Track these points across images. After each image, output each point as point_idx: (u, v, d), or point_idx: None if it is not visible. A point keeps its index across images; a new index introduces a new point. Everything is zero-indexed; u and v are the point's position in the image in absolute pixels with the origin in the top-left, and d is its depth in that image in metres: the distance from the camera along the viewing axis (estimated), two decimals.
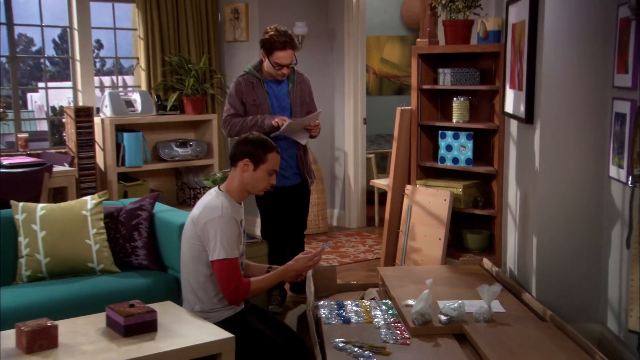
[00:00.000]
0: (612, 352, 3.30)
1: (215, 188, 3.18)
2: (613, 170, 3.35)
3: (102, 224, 3.68)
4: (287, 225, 4.43)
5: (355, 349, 3.05)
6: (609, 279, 3.49)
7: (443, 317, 3.29)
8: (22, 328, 2.47)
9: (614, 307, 3.42)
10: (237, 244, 3.05)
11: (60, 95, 7.43)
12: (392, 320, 3.42)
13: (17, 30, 5.70)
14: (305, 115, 4.25)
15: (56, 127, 6.38)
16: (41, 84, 6.96)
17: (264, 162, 3.10)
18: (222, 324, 2.92)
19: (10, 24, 5.57)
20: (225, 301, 3.05)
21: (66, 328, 2.67)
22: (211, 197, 3.11)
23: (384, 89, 8.36)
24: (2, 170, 4.67)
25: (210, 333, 2.72)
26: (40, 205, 3.66)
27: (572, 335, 3.08)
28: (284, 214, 4.39)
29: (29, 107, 8.74)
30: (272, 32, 4.13)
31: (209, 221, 2.99)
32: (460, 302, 3.35)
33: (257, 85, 4.23)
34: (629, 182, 3.02)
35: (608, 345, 3.39)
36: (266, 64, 4.19)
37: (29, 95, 8.93)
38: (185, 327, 2.77)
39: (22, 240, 3.54)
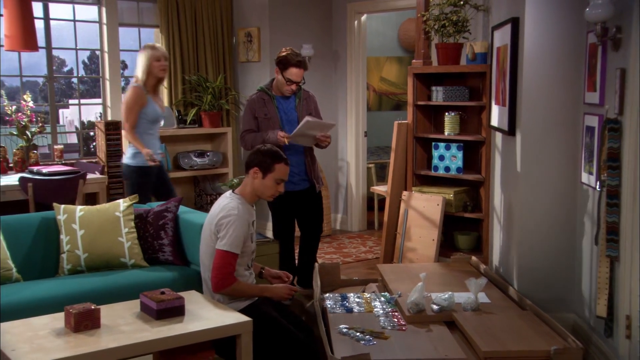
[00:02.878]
0: (583, 336, 3.42)
1: (230, 192, 3.28)
2: (584, 177, 3.46)
3: (132, 224, 3.80)
4: (302, 228, 4.51)
5: (358, 334, 3.17)
6: (581, 273, 3.59)
7: (435, 307, 3.41)
8: (71, 310, 2.62)
9: (585, 297, 3.53)
10: (242, 243, 3.13)
11: (88, 111, 7.57)
12: (390, 309, 3.53)
13: (52, 53, 5.87)
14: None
15: (84, 139, 6.55)
16: (72, 101, 7.13)
17: (272, 171, 3.19)
18: (240, 312, 3.01)
19: (49, 48, 5.73)
20: None
21: (106, 312, 2.80)
22: (227, 200, 3.21)
23: (382, 105, 8.40)
24: (43, 177, 4.79)
25: (231, 317, 2.85)
26: (79, 207, 3.79)
27: (549, 322, 3.21)
28: (293, 217, 4.49)
29: (60, 122, 8.89)
30: (288, 52, 4.30)
31: (226, 217, 3.10)
32: (450, 293, 3.47)
33: (268, 102, 4.38)
34: (597, 187, 3.16)
35: (580, 331, 3.51)
36: (279, 79, 4.33)
37: (60, 111, 9.08)
38: (209, 312, 2.89)
39: (64, 237, 3.67)
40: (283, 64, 4.28)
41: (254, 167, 3.20)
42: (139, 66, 4.66)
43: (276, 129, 4.31)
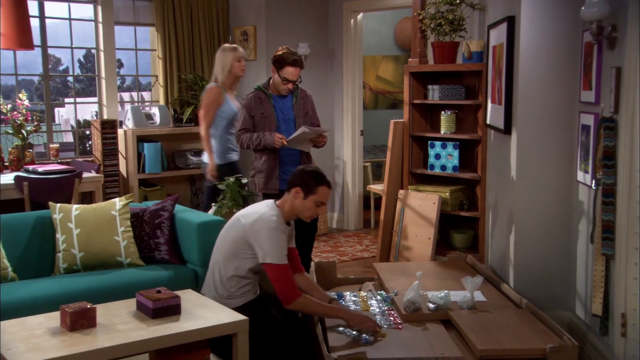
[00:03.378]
0: (579, 335, 3.43)
1: (272, 201, 3.24)
2: (580, 175, 3.47)
3: (128, 222, 3.80)
4: (297, 227, 4.53)
5: (354, 332, 3.16)
6: (577, 272, 3.60)
7: (431, 305, 3.41)
8: (66, 309, 2.61)
9: (581, 296, 3.53)
10: (286, 252, 3.14)
11: (84, 110, 7.56)
12: (386, 308, 3.52)
13: (48, 51, 5.87)
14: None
15: (80, 138, 6.54)
16: (68, 100, 7.11)
17: (314, 193, 3.17)
18: (238, 309, 3.02)
19: (44, 46, 5.73)
20: (241, 290, 3.18)
21: (102, 311, 2.79)
22: (267, 209, 3.16)
23: (379, 104, 8.41)
24: (38, 176, 4.79)
25: (227, 316, 2.84)
26: (75, 206, 3.78)
27: (545, 320, 3.21)
28: None
29: (56, 121, 8.87)
30: (285, 50, 4.30)
31: (264, 229, 3.07)
32: (446, 292, 3.47)
33: (264, 100, 4.38)
34: (593, 185, 3.16)
35: (576, 329, 3.52)
36: (275, 77, 4.33)
37: (56, 109, 9.06)
38: (205, 310, 2.88)
39: (60, 236, 3.67)
40: (279, 62, 4.29)
41: (297, 187, 3.19)
42: (218, 66, 4.75)
43: (272, 127, 4.31)
